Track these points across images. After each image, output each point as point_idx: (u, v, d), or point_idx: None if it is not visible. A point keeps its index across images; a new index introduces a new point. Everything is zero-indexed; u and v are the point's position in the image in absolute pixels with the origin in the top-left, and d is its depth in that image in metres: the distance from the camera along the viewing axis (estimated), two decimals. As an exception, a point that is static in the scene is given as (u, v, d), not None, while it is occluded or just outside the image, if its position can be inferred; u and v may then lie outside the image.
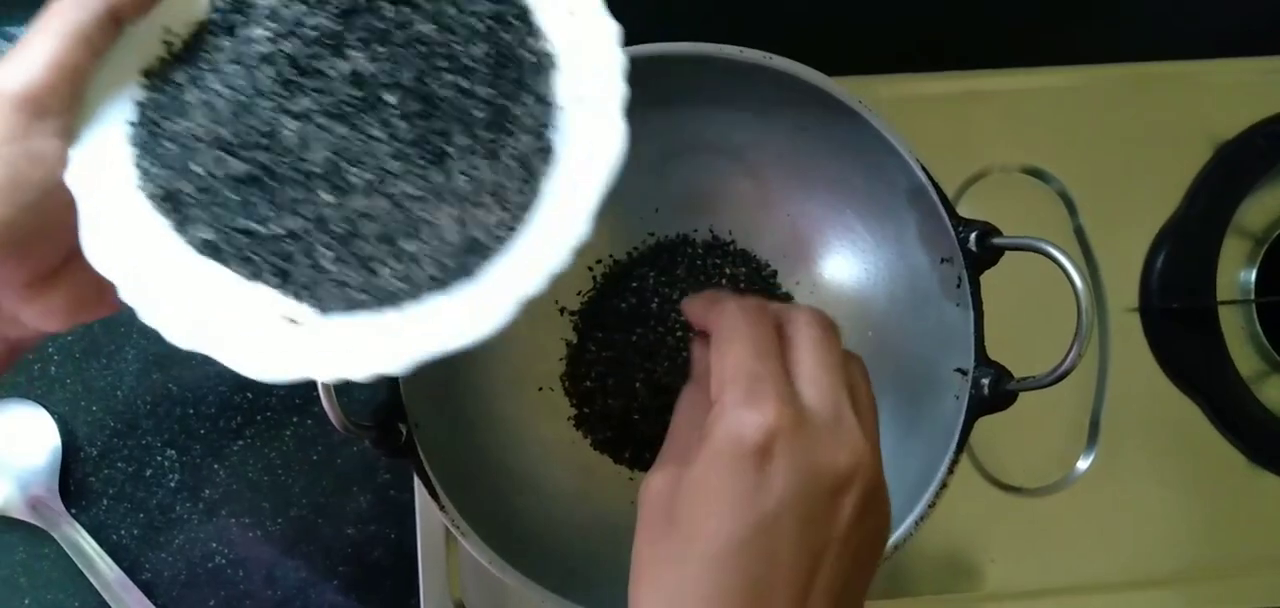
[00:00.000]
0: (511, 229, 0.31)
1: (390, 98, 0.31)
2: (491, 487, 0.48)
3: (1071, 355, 0.39)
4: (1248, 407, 0.58)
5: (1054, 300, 0.40)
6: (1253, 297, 0.59)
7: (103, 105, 0.31)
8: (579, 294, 0.54)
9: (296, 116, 0.30)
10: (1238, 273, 0.60)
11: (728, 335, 0.34)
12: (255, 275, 0.30)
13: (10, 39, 0.60)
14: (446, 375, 0.48)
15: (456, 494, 0.43)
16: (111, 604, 0.55)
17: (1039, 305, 0.48)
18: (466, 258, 0.30)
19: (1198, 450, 0.59)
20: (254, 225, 0.30)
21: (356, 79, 0.31)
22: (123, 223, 0.30)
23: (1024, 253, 0.41)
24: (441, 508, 0.42)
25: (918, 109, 0.59)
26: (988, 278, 0.44)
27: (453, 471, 0.44)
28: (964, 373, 0.44)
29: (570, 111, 0.33)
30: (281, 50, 0.31)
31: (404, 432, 0.42)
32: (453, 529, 0.42)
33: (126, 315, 0.56)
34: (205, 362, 0.56)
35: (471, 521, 0.42)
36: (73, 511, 0.57)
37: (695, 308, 0.43)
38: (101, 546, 0.57)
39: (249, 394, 0.58)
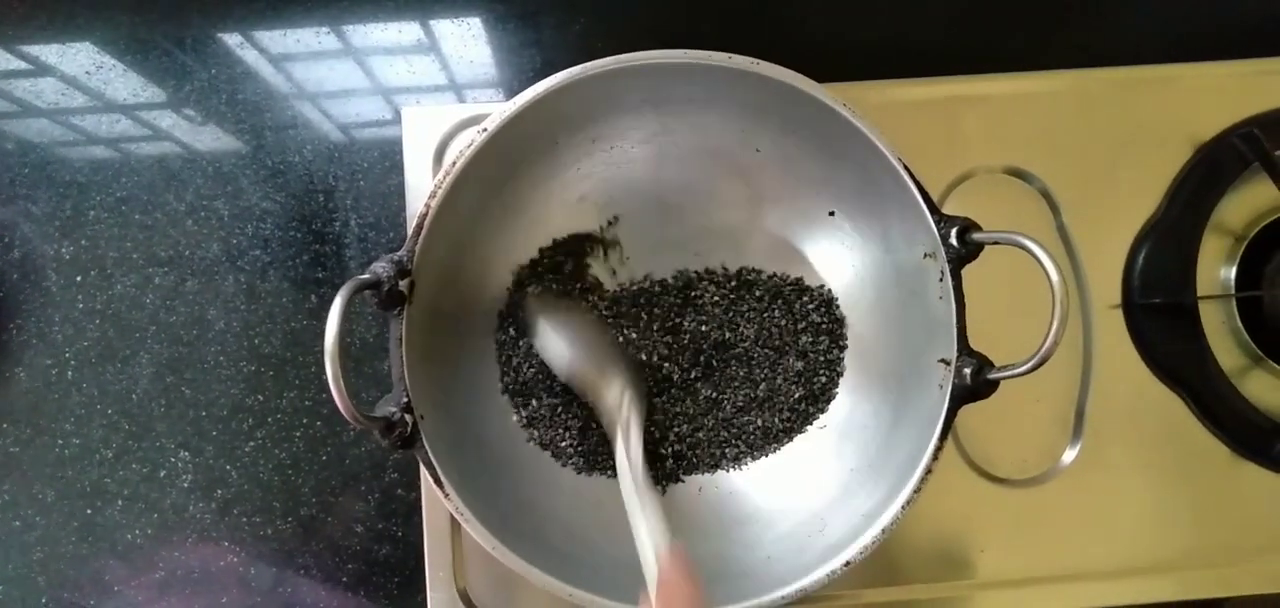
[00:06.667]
0: None
1: None
2: (492, 476, 0.50)
3: (1047, 343, 0.40)
4: (1229, 399, 0.59)
5: (1039, 296, 0.41)
6: (1233, 292, 0.61)
7: None
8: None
9: None
10: (1218, 269, 0.62)
11: None
12: None
13: (24, 57, 0.62)
14: (450, 372, 0.50)
15: (459, 483, 0.44)
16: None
17: (1025, 301, 0.49)
18: None
19: (1181, 442, 0.60)
20: None
21: None
22: None
23: (1010, 253, 0.42)
24: (445, 496, 0.43)
25: (904, 114, 0.61)
26: (976, 275, 0.45)
27: (456, 461, 0.45)
28: (947, 363, 0.45)
29: None
30: None
31: (409, 423, 0.43)
32: (457, 516, 0.44)
33: (140, 320, 0.59)
34: (217, 365, 0.59)
35: (473, 508, 0.44)
36: (88, 510, 0.59)
37: None
38: (115, 545, 0.58)
39: (260, 397, 0.60)
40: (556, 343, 0.52)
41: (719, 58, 0.46)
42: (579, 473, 0.54)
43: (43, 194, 0.61)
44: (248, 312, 0.60)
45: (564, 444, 0.54)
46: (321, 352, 0.38)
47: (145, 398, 0.60)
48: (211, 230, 0.61)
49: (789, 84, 0.47)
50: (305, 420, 0.60)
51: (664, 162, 0.54)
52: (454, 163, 0.45)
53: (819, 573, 0.45)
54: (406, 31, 0.63)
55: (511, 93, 0.63)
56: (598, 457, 0.54)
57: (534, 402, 0.54)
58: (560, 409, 0.54)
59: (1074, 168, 0.61)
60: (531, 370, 0.54)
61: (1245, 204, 0.62)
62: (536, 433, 0.54)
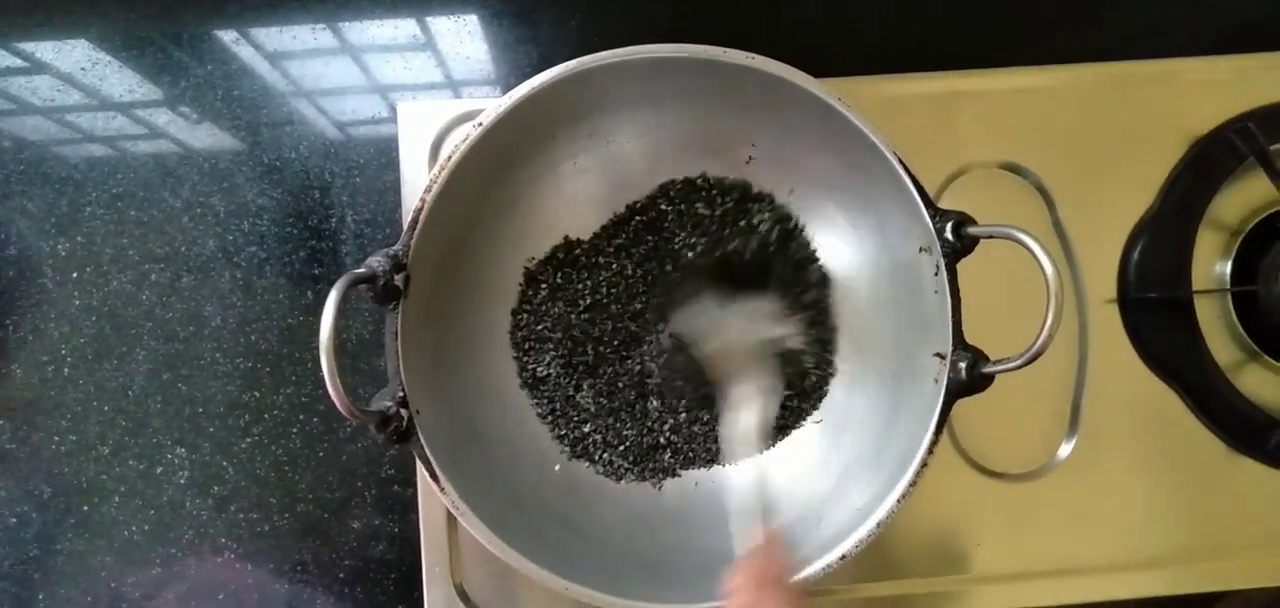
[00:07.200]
0: None
1: None
2: (489, 471, 0.50)
3: (1042, 337, 0.40)
4: (1225, 394, 0.59)
5: (1035, 290, 0.41)
6: (1228, 286, 0.61)
7: None
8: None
9: None
10: (1213, 264, 0.62)
11: None
12: None
13: (20, 54, 0.62)
14: (446, 366, 0.50)
15: (455, 477, 0.44)
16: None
17: (1020, 295, 0.49)
18: None
19: (1176, 437, 0.60)
20: None
21: None
22: None
23: (1006, 248, 0.42)
24: (441, 489, 0.43)
25: (900, 108, 0.61)
26: (971, 269, 0.45)
27: (452, 455, 0.45)
28: (942, 357, 0.46)
29: None
30: None
31: (405, 417, 0.43)
32: (452, 509, 0.44)
33: (136, 317, 0.59)
34: (213, 362, 0.59)
35: (470, 502, 0.44)
36: (85, 507, 0.59)
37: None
38: (112, 541, 0.58)
39: (257, 393, 0.60)
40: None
41: (714, 52, 0.46)
42: (572, 459, 0.55)
43: (38, 191, 0.61)
44: (244, 308, 0.60)
45: (587, 432, 0.55)
46: (318, 348, 0.38)
47: (142, 394, 0.60)
48: (207, 227, 0.61)
49: (784, 79, 0.46)
50: (302, 417, 0.60)
51: (659, 156, 0.54)
52: (449, 157, 0.45)
53: (815, 567, 0.45)
54: (402, 28, 0.63)
55: (508, 89, 0.63)
56: (611, 447, 0.55)
57: (550, 393, 0.55)
58: (575, 398, 0.55)
59: (1069, 163, 0.61)
60: (547, 367, 0.55)
61: (1240, 199, 0.62)
62: (557, 429, 0.55)
